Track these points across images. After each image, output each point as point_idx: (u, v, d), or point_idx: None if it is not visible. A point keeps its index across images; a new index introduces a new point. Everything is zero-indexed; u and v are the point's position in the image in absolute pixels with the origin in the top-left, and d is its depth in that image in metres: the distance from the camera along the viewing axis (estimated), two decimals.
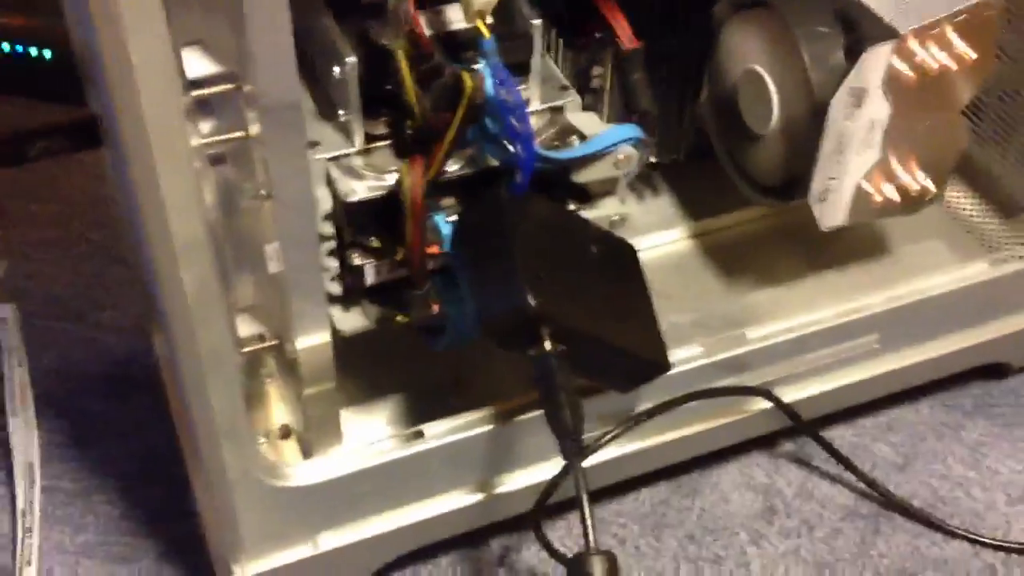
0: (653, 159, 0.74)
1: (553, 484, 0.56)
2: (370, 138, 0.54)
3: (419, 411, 0.62)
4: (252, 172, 0.49)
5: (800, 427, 0.67)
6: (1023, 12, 0.71)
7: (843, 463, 0.68)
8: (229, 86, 0.46)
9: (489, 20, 0.51)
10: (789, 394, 0.65)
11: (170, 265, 0.45)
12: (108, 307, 0.78)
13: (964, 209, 0.77)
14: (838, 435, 0.71)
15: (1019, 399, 0.73)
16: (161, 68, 0.40)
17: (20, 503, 0.63)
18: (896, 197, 0.64)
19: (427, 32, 0.52)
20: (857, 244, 0.72)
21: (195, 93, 0.45)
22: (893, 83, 0.59)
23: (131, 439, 0.71)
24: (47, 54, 0.93)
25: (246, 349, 0.56)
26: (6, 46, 0.93)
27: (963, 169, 0.78)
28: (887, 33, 0.58)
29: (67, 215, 0.84)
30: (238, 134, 0.48)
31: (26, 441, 0.63)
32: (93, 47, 0.41)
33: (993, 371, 0.73)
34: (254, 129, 0.47)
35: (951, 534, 0.66)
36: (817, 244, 0.71)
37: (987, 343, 0.70)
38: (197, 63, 0.46)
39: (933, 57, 0.59)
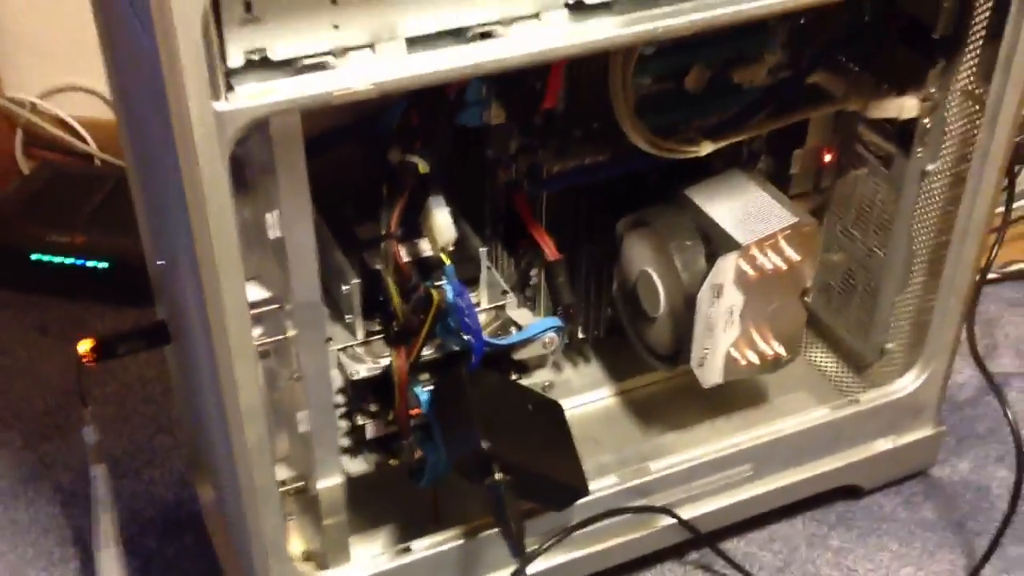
0: (582, 335, 0.96)
1: None
2: (368, 333, 0.76)
3: (407, 531, 0.82)
4: (288, 362, 0.71)
5: (699, 539, 0.88)
6: (849, 217, 0.95)
7: (736, 568, 0.88)
8: (275, 306, 0.69)
9: (449, 249, 0.74)
10: (688, 512, 0.86)
11: (238, 425, 0.66)
12: (158, 466, 0.99)
13: (826, 365, 1.00)
14: (732, 545, 0.91)
15: (871, 514, 0.94)
16: (238, 298, 0.62)
17: None
18: (757, 361, 0.87)
19: (406, 259, 0.75)
20: (739, 395, 0.94)
21: (254, 312, 0.67)
22: (742, 279, 0.82)
23: (180, 569, 0.90)
24: (103, 265, 1.16)
25: (282, 489, 0.77)
26: (71, 259, 1.16)
27: (825, 333, 1.01)
28: (734, 244, 0.82)
29: (123, 395, 1.05)
30: (280, 336, 0.70)
31: (111, 570, 0.83)
32: (193, 288, 0.63)
33: (850, 492, 0.95)
34: (290, 332, 0.69)
35: None
36: (708, 397, 0.92)
37: (838, 470, 0.91)
38: (256, 291, 0.69)
39: (770, 260, 0.82)
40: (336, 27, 0.59)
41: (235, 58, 0.57)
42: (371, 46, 0.60)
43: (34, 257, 1.16)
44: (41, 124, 1.31)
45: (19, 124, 1.32)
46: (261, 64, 0.57)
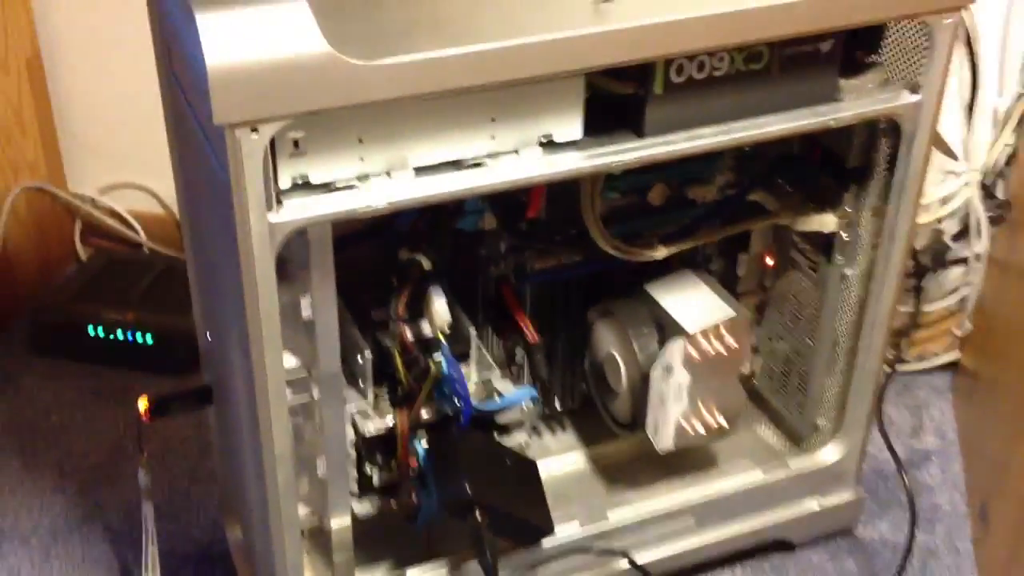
0: (559, 406, 1.13)
1: None
2: (377, 397, 0.93)
3: (403, 563, 0.98)
4: (312, 418, 0.88)
5: None
6: (788, 312, 1.12)
7: None
8: (304, 374, 0.86)
9: (445, 330, 0.92)
10: (642, 558, 1.02)
11: (271, 468, 0.83)
12: (193, 511, 1.15)
13: (769, 437, 1.16)
14: None
15: (801, 566, 1.10)
16: (277, 365, 0.80)
17: None
18: (704, 431, 1.03)
19: (410, 338, 0.92)
20: (691, 460, 1.10)
21: (287, 377, 0.84)
22: (689, 361, 0.99)
23: None
24: (148, 339, 1.34)
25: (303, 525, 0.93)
26: (120, 334, 1.34)
27: (769, 410, 1.17)
28: (683, 332, 0.99)
29: (164, 452, 1.22)
30: (307, 397, 0.87)
31: None
32: (240, 357, 0.80)
33: (784, 546, 1.10)
34: (316, 394, 0.87)
35: None
36: (664, 461, 1.08)
37: (771, 526, 1.07)
38: (289, 360, 0.86)
39: (712, 345, 1.00)
40: (361, 159, 0.77)
41: (284, 181, 0.75)
42: (388, 173, 0.78)
43: (91, 331, 1.34)
44: (99, 216, 1.50)
45: (79, 216, 1.51)
46: (303, 186, 0.76)
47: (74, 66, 1.43)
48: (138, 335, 1.34)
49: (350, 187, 0.77)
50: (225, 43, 0.67)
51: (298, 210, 0.75)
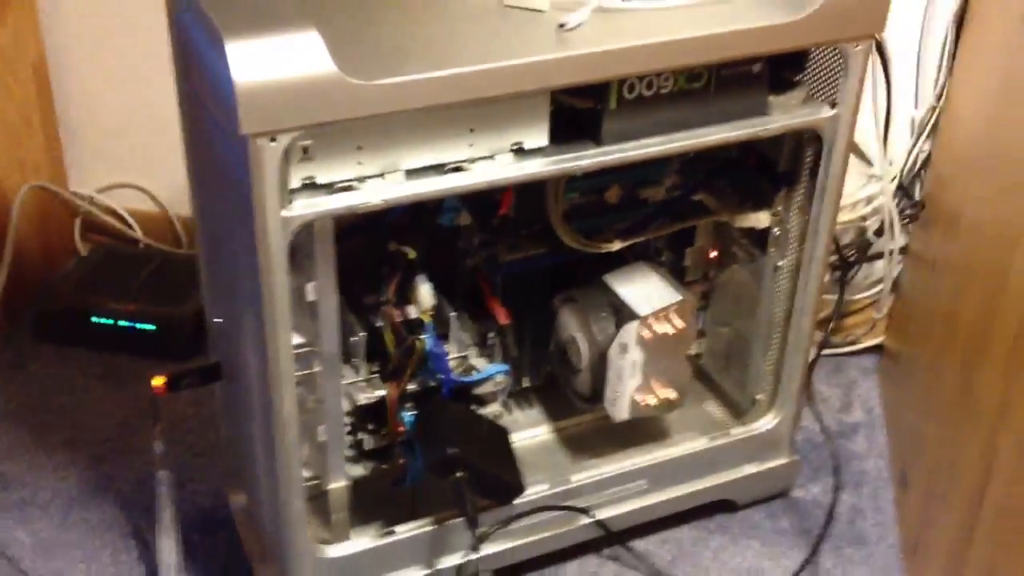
0: (527, 384, 1.27)
1: (463, 561, 1.05)
2: (369, 371, 1.06)
3: (391, 520, 1.11)
4: (313, 389, 1.01)
5: (610, 536, 1.17)
6: (729, 299, 1.26)
7: (638, 559, 1.18)
8: (307, 349, 0.99)
9: (430, 313, 1.05)
10: (602, 514, 1.16)
11: (280, 431, 0.96)
12: (198, 481, 1.28)
13: (714, 412, 1.30)
14: (634, 544, 1.20)
15: (743, 523, 1.24)
16: (287, 342, 0.92)
17: None
18: (655, 403, 1.17)
19: (398, 319, 1.05)
20: (645, 430, 1.24)
21: (294, 352, 0.97)
22: (641, 341, 1.13)
23: (216, 556, 1.19)
24: (150, 328, 1.46)
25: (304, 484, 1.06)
26: (123, 323, 1.46)
27: (714, 388, 1.31)
28: (635, 315, 1.13)
29: (170, 428, 1.34)
30: (308, 371, 1.00)
31: (169, 548, 1.12)
32: (253, 336, 0.93)
33: (727, 506, 1.24)
34: (316, 368, 0.99)
35: None
36: (620, 432, 1.22)
37: (715, 486, 1.21)
38: (295, 338, 0.99)
39: (663, 327, 1.13)
40: (360, 163, 0.90)
41: (294, 182, 0.88)
42: (382, 175, 0.91)
43: (95, 320, 1.46)
44: (97, 214, 1.61)
45: (79, 214, 1.62)
46: (310, 187, 0.89)
47: (77, 71, 1.54)
48: (139, 324, 1.46)
49: (350, 187, 0.90)
50: (250, 65, 0.80)
51: (306, 207, 0.88)
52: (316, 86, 0.82)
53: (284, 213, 0.87)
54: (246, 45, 0.81)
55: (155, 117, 1.46)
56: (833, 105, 1.04)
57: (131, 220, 1.62)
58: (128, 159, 1.59)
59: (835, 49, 1.03)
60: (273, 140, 0.83)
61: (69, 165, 1.60)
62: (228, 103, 0.81)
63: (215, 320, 1.12)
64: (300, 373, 1.00)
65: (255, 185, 0.85)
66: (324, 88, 0.83)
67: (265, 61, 0.81)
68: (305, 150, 0.87)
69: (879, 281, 1.42)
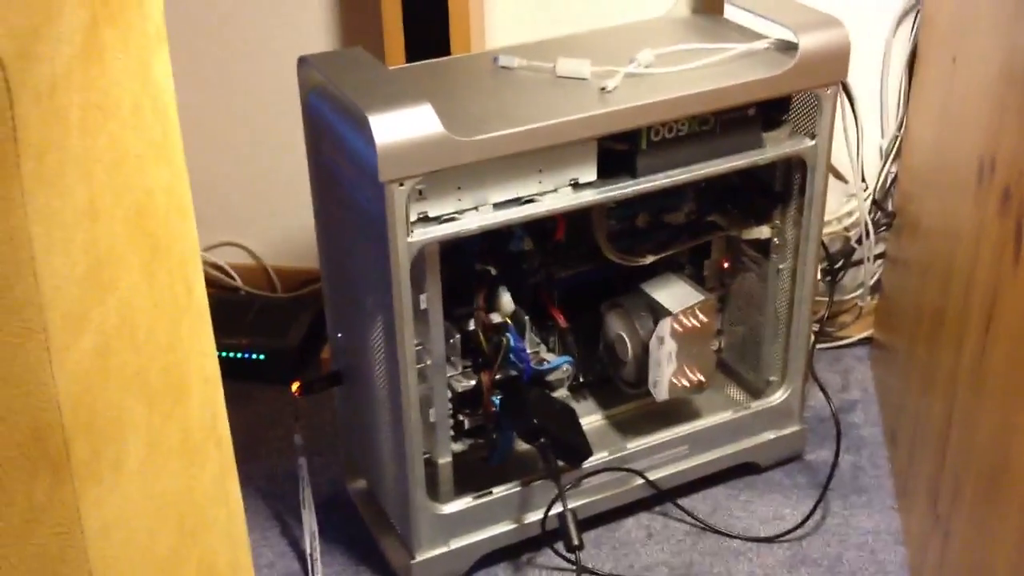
0: (582, 379, 1.55)
1: (550, 507, 1.33)
2: (464, 366, 1.35)
3: (488, 483, 1.38)
4: (424, 379, 1.30)
5: (661, 494, 1.45)
6: (742, 301, 1.55)
7: (684, 511, 1.46)
8: (421, 346, 1.28)
9: (509, 317, 1.34)
10: (653, 474, 1.44)
11: (408, 410, 1.24)
12: (315, 474, 1.56)
13: (735, 394, 1.58)
14: (684, 501, 1.48)
15: (766, 482, 1.51)
16: (411, 342, 1.21)
17: (308, 549, 1.38)
18: (688, 385, 1.45)
19: (486, 323, 1.34)
20: (683, 409, 1.52)
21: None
22: (674, 333, 1.42)
23: (338, 530, 1.46)
24: (261, 357, 1.75)
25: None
26: (238, 353, 1.75)
27: (734, 375, 1.60)
28: (669, 313, 1.42)
29: (289, 434, 1.62)
30: (422, 365, 1.29)
31: (310, 519, 1.39)
32: (380, 340, 1.22)
33: (754, 468, 1.52)
34: (427, 362, 1.28)
35: (736, 537, 1.43)
36: (662, 411, 1.50)
37: (742, 450, 1.49)
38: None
39: (691, 321, 1.42)
40: (459, 200, 1.20)
41: (412, 216, 1.18)
42: (476, 208, 1.21)
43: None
44: (207, 269, 1.92)
45: None
46: (424, 219, 1.19)
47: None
48: (252, 355, 1.75)
49: (453, 218, 1.20)
50: (386, 131, 1.11)
51: (423, 234, 1.18)
52: (431, 144, 1.13)
53: (409, 239, 1.17)
54: (383, 116, 1.11)
55: (251, 185, 1.77)
56: (812, 137, 1.34)
57: (232, 272, 1.92)
58: (226, 222, 1.89)
59: (811, 93, 1.33)
60: (401, 184, 1.13)
61: None
62: (370, 160, 1.12)
63: (337, 335, 1.42)
64: (416, 367, 1.29)
65: (388, 219, 1.15)
66: (436, 145, 1.13)
67: (396, 127, 1.11)
68: (420, 192, 1.17)
69: (863, 283, 1.72)
